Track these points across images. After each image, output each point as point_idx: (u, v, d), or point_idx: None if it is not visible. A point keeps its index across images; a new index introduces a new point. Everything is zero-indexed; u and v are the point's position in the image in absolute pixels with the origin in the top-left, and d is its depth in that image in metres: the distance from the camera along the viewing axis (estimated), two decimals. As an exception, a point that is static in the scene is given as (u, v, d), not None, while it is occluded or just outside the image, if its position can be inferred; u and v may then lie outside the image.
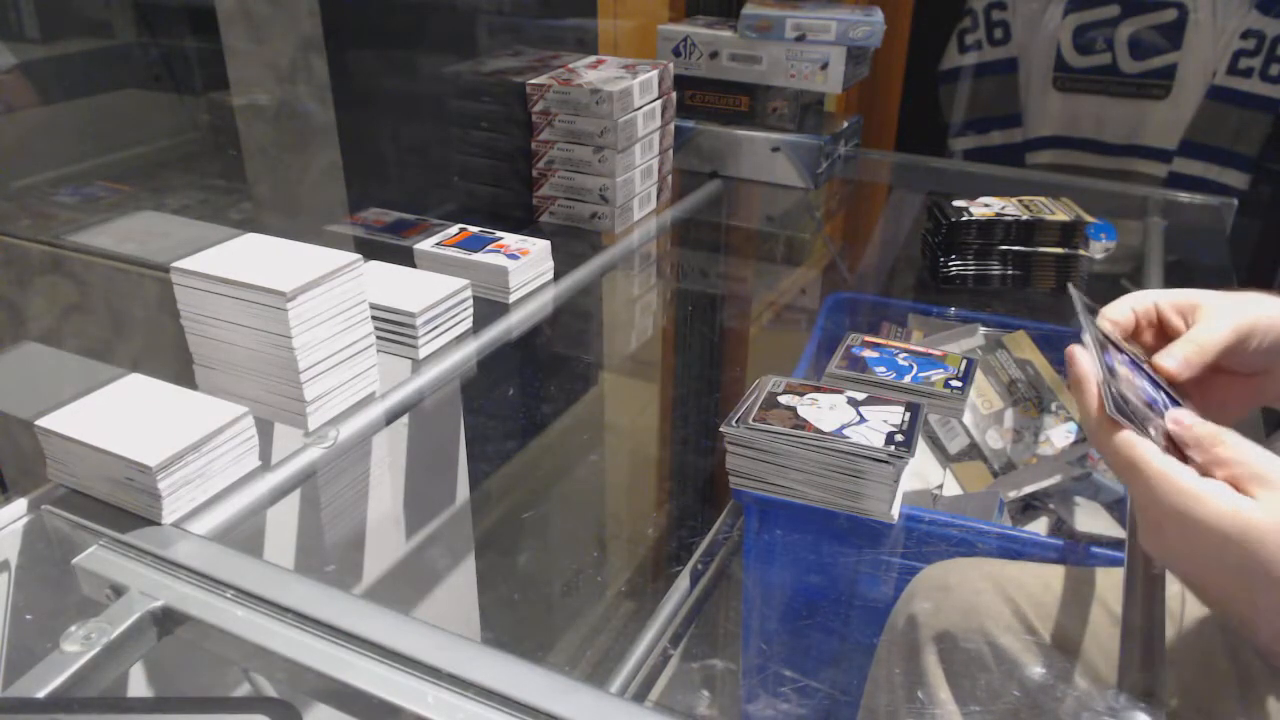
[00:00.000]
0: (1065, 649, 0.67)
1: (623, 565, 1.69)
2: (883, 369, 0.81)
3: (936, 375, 0.80)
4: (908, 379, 0.81)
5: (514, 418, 1.29)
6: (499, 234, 0.93)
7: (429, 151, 1.23)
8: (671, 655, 0.74)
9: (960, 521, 0.78)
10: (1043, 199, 1.10)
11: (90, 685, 0.51)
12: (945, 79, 2.01)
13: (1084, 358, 0.55)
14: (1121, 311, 0.62)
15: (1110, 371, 0.54)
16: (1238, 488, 0.48)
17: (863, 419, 0.73)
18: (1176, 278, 1.03)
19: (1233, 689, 0.62)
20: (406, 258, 0.91)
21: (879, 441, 0.70)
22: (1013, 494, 0.99)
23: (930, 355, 0.83)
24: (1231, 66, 1.78)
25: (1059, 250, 1.06)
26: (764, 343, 1.66)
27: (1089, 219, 1.05)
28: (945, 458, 1.08)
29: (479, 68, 1.09)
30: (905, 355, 0.83)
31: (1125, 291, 0.58)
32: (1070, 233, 1.05)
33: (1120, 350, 0.58)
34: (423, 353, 0.78)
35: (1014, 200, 1.09)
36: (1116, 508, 1.00)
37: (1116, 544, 0.77)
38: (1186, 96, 1.84)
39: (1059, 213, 1.06)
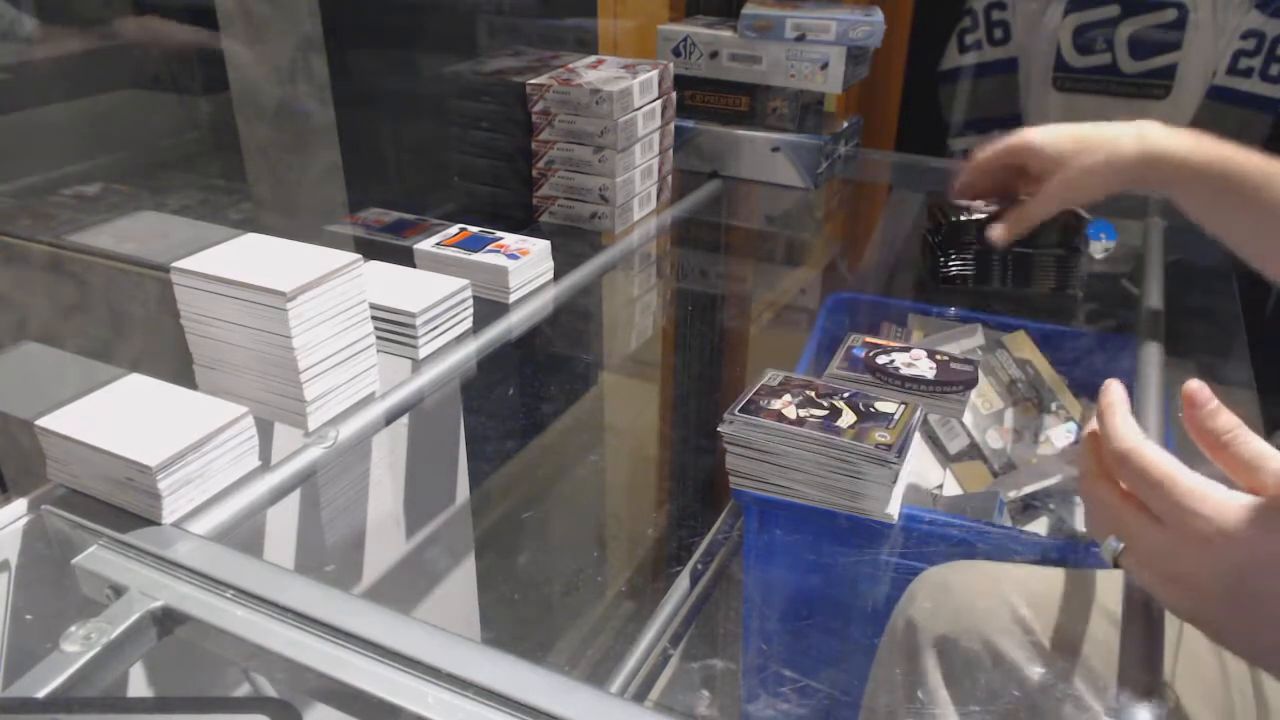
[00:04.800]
0: (1065, 650, 0.67)
1: (623, 565, 1.69)
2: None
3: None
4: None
5: (514, 418, 1.29)
6: (499, 234, 0.93)
7: (429, 151, 1.23)
8: (671, 655, 0.74)
9: (960, 521, 0.78)
10: None
11: (90, 685, 0.51)
12: (945, 79, 2.01)
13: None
14: (964, 181, 0.91)
15: None
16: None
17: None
18: (1177, 277, 1.03)
19: (1234, 689, 0.62)
20: (406, 258, 0.91)
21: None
22: (1013, 494, 0.99)
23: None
24: (1231, 66, 1.78)
25: (1059, 251, 1.06)
26: (764, 343, 1.67)
27: (1088, 216, 1.05)
28: (945, 458, 1.08)
29: (479, 68, 1.09)
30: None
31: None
32: (1070, 233, 1.05)
33: None
34: (423, 353, 0.78)
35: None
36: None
37: (1116, 544, 0.77)
38: (1186, 96, 1.84)
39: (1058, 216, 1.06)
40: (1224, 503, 0.47)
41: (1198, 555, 0.47)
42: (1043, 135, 0.88)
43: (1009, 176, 0.95)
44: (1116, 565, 0.53)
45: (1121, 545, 0.52)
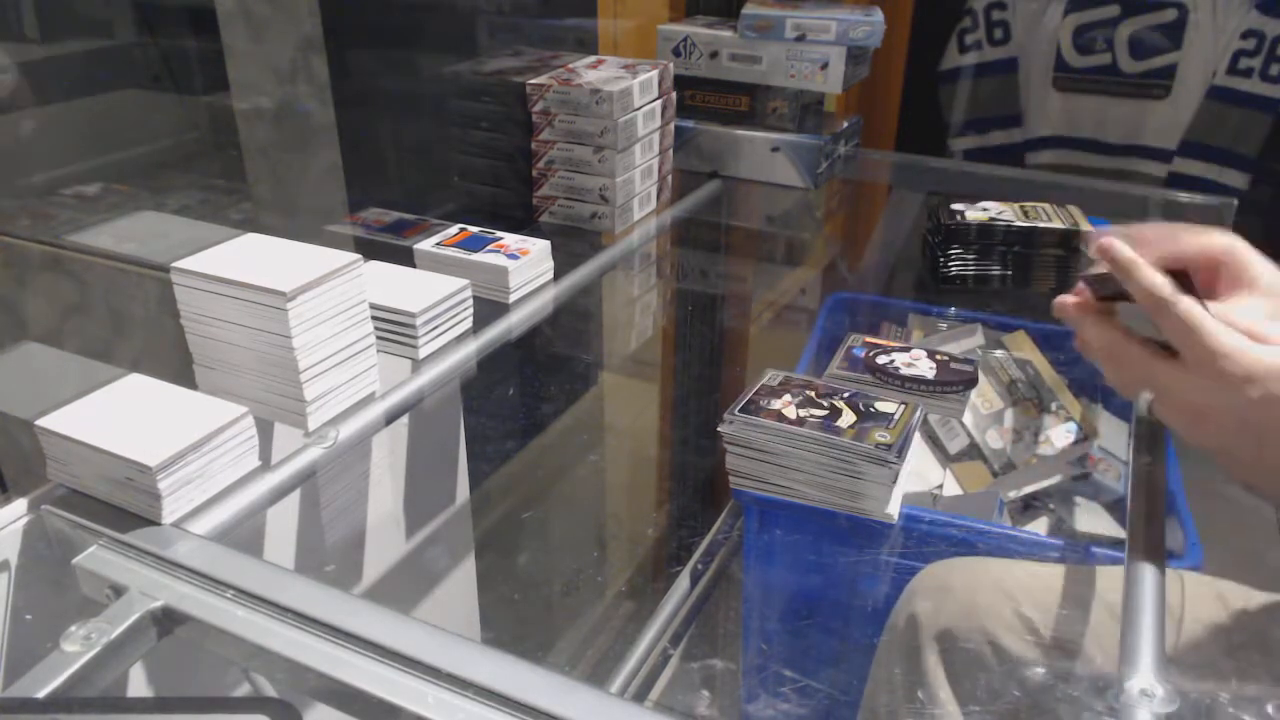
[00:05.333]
0: (1065, 649, 0.67)
1: (623, 565, 1.69)
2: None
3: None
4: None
5: (514, 418, 1.29)
6: (499, 234, 0.93)
7: (429, 151, 1.23)
8: (671, 655, 0.74)
9: (960, 521, 0.78)
10: (1046, 205, 1.09)
11: (90, 685, 0.51)
12: (945, 79, 2.01)
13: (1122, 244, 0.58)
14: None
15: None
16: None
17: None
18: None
19: (1233, 688, 0.62)
20: (406, 258, 0.91)
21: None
22: (1013, 494, 0.99)
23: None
24: (1231, 66, 1.78)
25: (1059, 251, 1.06)
26: (764, 343, 1.67)
27: (1088, 228, 1.04)
28: (945, 458, 1.08)
29: (479, 68, 1.09)
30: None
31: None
32: (1067, 240, 1.05)
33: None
34: (423, 353, 0.78)
35: (1013, 206, 1.09)
36: (1116, 508, 1.01)
37: (1116, 544, 0.77)
38: (1186, 96, 1.84)
39: (1056, 220, 1.06)
40: (1247, 349, 0.53)
41: (1223, 391, 0.53)
42: (1262, 269, 0.60)
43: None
44: (1150, 414, 0.61)
45: (1152, 396, 0.59)
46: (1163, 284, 0.56)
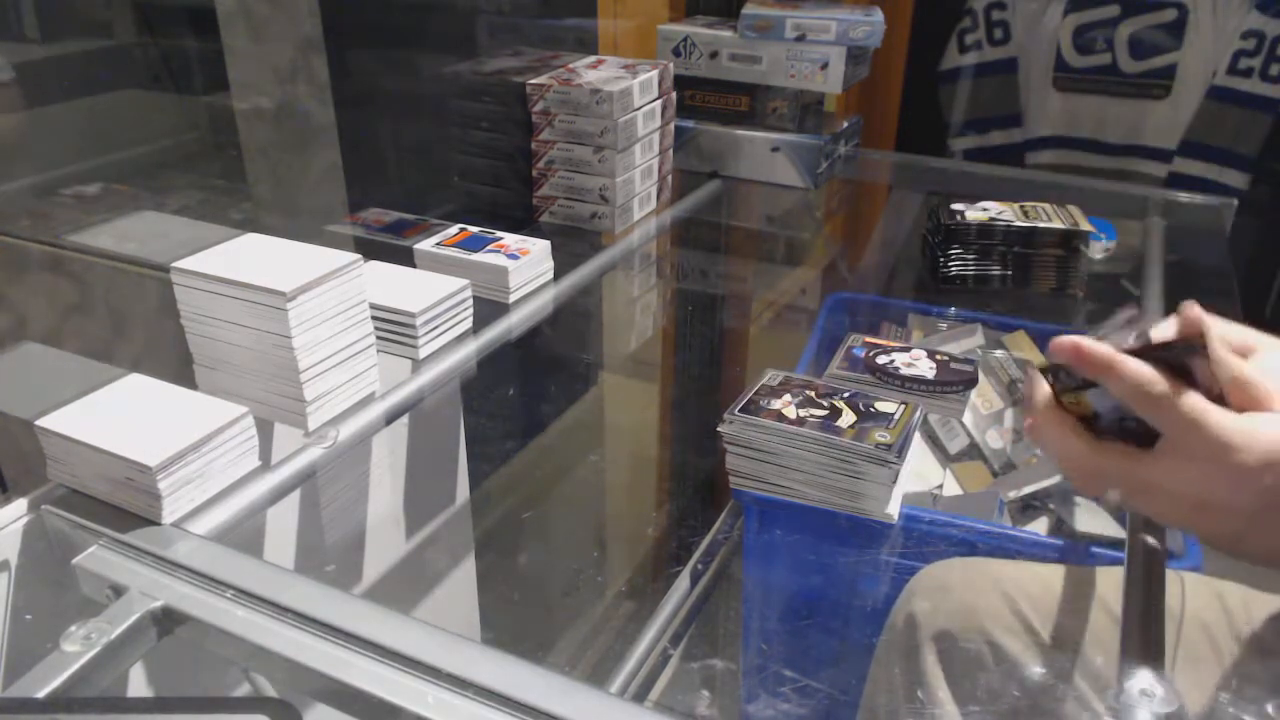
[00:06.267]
0: (1065, 649, 0.67)
1: (623, 565, 1.69)
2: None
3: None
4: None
5: (514, 418, 1.29)
6: (499, 234, 0.93)
7: (429, 151, 1.23)
8: (671, 655, 0.74)
9: (960, 521, 0.78)
10: (1046, 205, 1.09)
11: (90, 685, 0.51)
12: (945, 79, 2.01)
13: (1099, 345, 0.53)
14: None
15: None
16: None
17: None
18: (1176, 278, 1.03)
19: (1232, 689, 0.62)
20: (406, 258, 0.91)
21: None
22: (1013, 494, 0.99)
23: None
24: (1231, 66, 1.78)
25: (1059, 251, 1.06)
26: (764, 343, 1.66)
27: (1088, 228, 1.04)
28: (945, 458, 1.08)
29: (479, 68, 1.09)
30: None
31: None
32: (1067, 240, 1.05)
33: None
34: (423, 353, 0.78)
35: (1013, 206, 1.09)
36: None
37: (1116, 544, 0.77)
38: (1186, 96, 1.84)
39: (1056, 220, 1.06)
40: (1259, 434, 0.48)
41: (1236, 483, 0.49)
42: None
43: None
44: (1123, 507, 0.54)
45: (1124, 494, 0.53)
46: (1152, 378, 0.50)
